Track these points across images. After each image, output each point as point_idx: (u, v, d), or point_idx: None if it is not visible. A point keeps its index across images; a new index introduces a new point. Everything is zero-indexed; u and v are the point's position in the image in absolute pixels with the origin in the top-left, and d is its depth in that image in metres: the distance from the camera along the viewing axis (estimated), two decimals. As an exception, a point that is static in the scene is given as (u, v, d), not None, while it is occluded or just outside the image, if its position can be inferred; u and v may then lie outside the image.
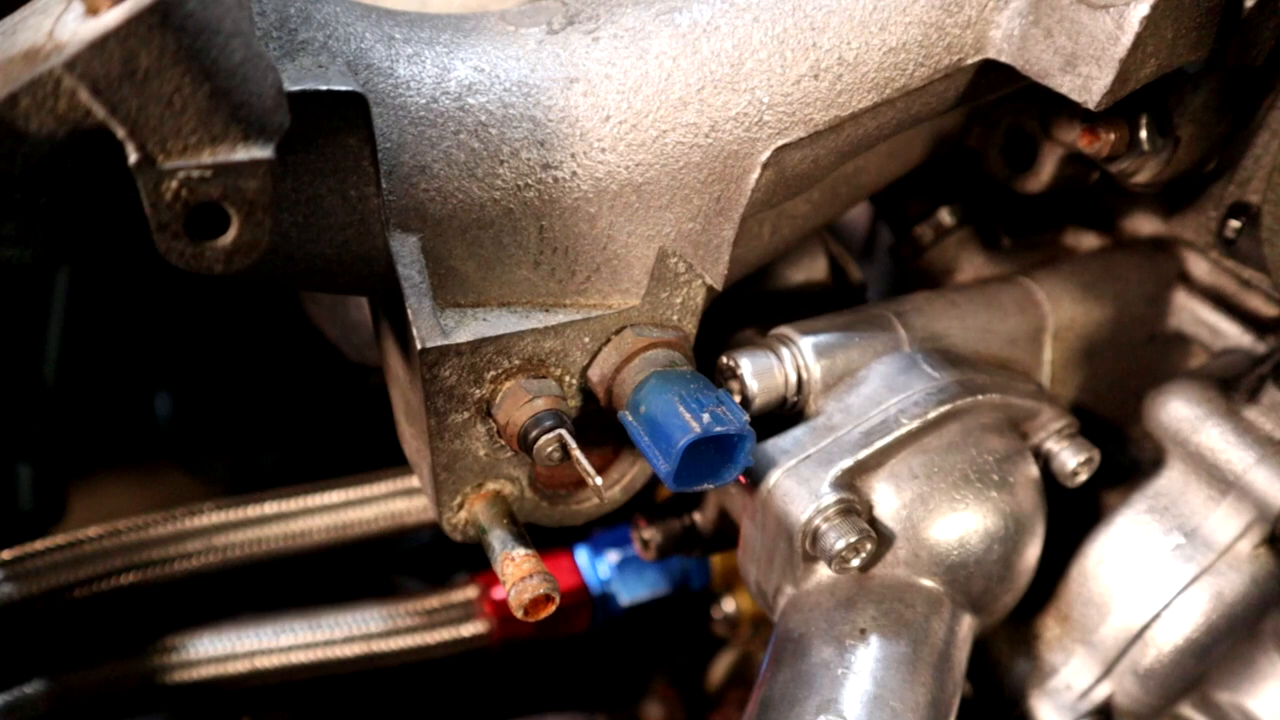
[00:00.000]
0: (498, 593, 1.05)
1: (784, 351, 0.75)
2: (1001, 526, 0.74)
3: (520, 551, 0.71)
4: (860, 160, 0.82)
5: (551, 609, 0.70)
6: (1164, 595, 0.78)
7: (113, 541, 0.94)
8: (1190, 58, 0.66)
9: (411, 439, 0.76)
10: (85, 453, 1.37)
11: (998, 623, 0.79)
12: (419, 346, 0.65)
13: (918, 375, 0.75)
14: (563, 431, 0.67)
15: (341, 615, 1.01)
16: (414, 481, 1.02)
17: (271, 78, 0.53)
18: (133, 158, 0.50)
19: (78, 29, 0.48)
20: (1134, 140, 0.75)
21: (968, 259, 0.94)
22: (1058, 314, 0.84)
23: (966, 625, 0.74)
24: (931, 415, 0.73)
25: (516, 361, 0.69)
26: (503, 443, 0.72)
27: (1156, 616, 0.78)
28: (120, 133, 0.49)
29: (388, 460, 1.02)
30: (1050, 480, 0.80)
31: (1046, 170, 0.83)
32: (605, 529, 1.12)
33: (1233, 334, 0.86)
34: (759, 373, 0.74)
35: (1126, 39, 0.62)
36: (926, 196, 0.96)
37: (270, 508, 1.00)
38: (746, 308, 0.87)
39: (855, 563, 0.70)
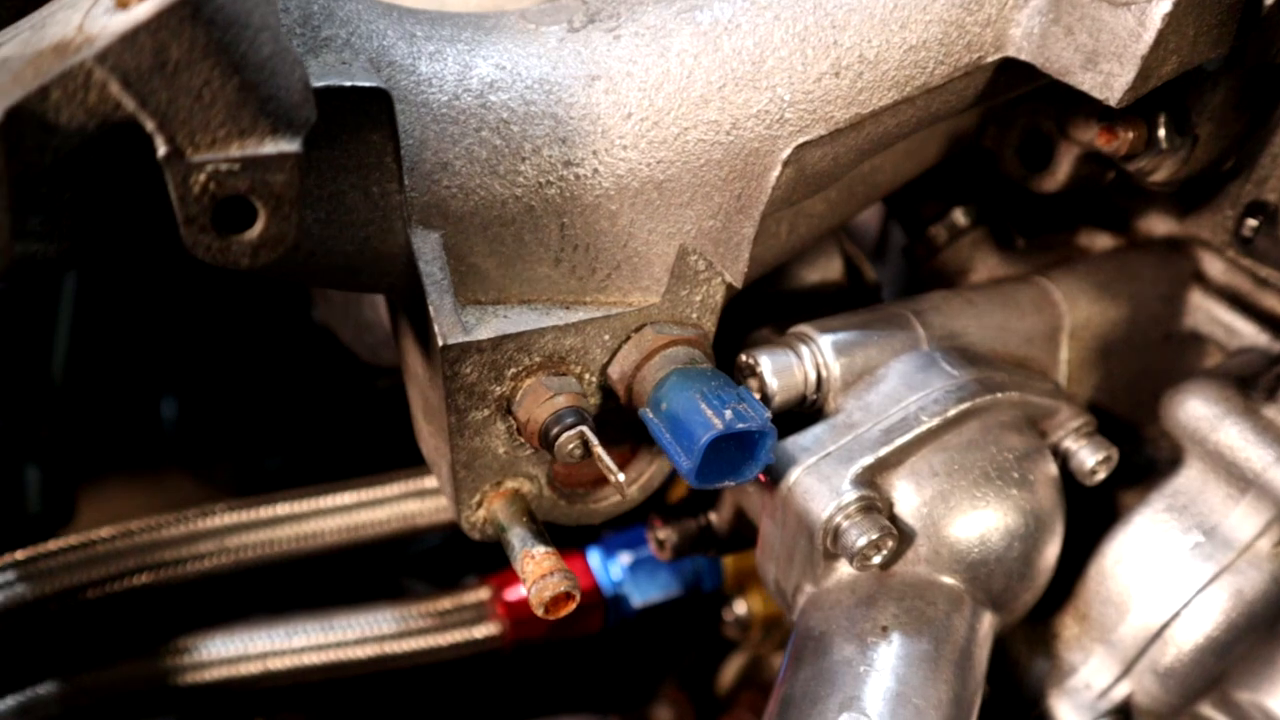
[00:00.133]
0: (510, 594, 1.05)
1: (803, 349, 0.75)
2: (1022, 524, 0.74)
3: (540, 549, 0.71)
4: (877, 160, 0.82)
5: (572, 606, 0.70)
6: (1183, 594, 0.78)
7: (126, 542, 0.94)
8: (1210, 55, 0.66)
9: (430, 437, 0.76)
10: (92, 456, 1.37)
11: (1017, 621, 0.78)
12: (441, 343, 0.65)
13: (937, 373, 0.75)
14: (584, 428, 0.67)
15: (354, 617, 1.01)
16: (427, 483, 1.02)
17: (299, 72, 0.53)
18: (161, 150, 0.50)
19: (108, 22, 0.48)
20: (1152, 139, 0.75)
21: (982, 259, 0.94)
22: (1074, 313, 0.84)
23: (987, 623, 0.74)
24: (951, 413, 0.73)
25: (537, 359, 0.69)
26: (522, 440, 0.72)
27: (1176, 615, 0.78)
28: (149, 125, 0.49)
29: (393, 464, 1.02)
30: (1068, 479, 0.80)
31: (1063, 170, 0.83)
32: (617, 531, 1.12)
33: (1249, 333, 0.86)
34: (778, 370, 0.74)
35: (1149, 36, 0.62)
36: (941, 197, 0.97)
37: (283, 509, 0.99)
38: (762, 307, 0.87)
39: (877, 560, 0.70)
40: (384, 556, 1.24)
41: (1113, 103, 0.64)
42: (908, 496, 0.73)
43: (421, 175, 0.65)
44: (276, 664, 0.98)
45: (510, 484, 0.75)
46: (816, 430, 0.74)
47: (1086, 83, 0.65)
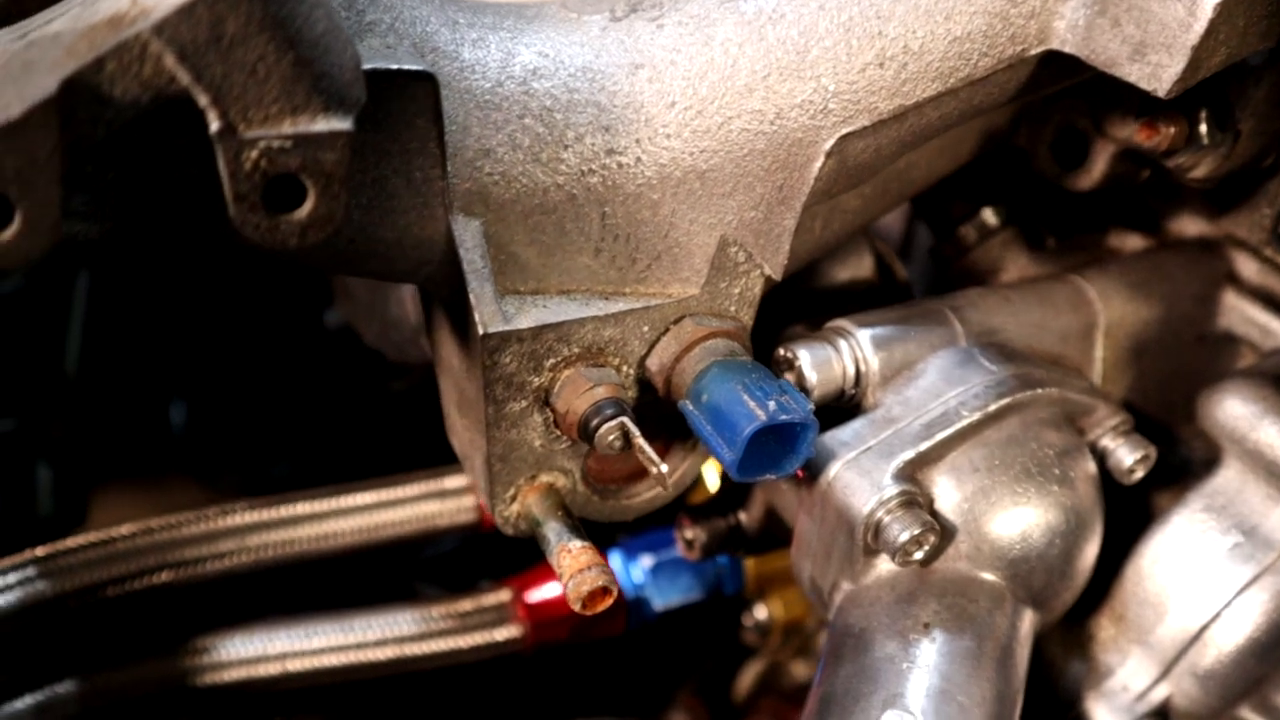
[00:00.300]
0: (532, 596, 1.04)
1: (841, 344, 0.74)
2: (1063, 521, 0.73)
3: (576, 543, 0.70)
4: (912, 156, 0.81)
5: (609, 602, 0.69)
6: (1223, 595, 0.77)
7: (146, 540, 0.92)
8: (1259, 46, 0.66)
9: (463, 431, 0.75)
10: (101, 460, 1.36)
11: (1055, 621, 0.78)
12: (481, 331, 0.65)
13: (975, 369, 0.75)
14: (625, 419, 0.66)
15: (373, 618, 0.99)
16: (447, 483, 1.01)
17: (351, 50, 0.53)
18: (214, 126, 0.49)
19: (163, -5, 0.47)
20: (1193, 134, 0.75)
21: (1013, 259, 0.94)
22: (1109, 312, 0.83)
23: (1028, 621, 0.73)
24: (992, 408, 0.72)
25: (576, 350, 0.69)
26: (558, 433, 0.71)
27: (1216, 616, 0.77)
28: (203, 100, 0.48)
29: (403, 471, 1.01)
30: (1103, 478, 0.79)
31: (1098, 167, 0.83)
32: (636, 534, 1.12)
33: (1284, 333, 0.86)
34: (818, 364, 0.73)
35: (1199, 26, 0.61)
36: (969, 197, 0.96)
37: (302, 508, 0.98)
38: (793, 304, 0.86)
39: (918, 555, 0.69)
40: (397, 561, 1.23)
41: (1161, 94, 0.64)
42: (948, 492, 0.72)
43: (464, 162, 0.64)
44: (295, 665, 0.97)
45: (545, 478, 0.74)
46: (856, 425, 0.73)
47: (1134, 74, 0.65)
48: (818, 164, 0.68)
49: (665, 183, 0.67)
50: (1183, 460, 0.85)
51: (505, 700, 1.19)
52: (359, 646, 0.98)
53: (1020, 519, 0.72)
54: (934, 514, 0.71)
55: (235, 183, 0.50)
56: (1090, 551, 0.76)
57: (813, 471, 0.72)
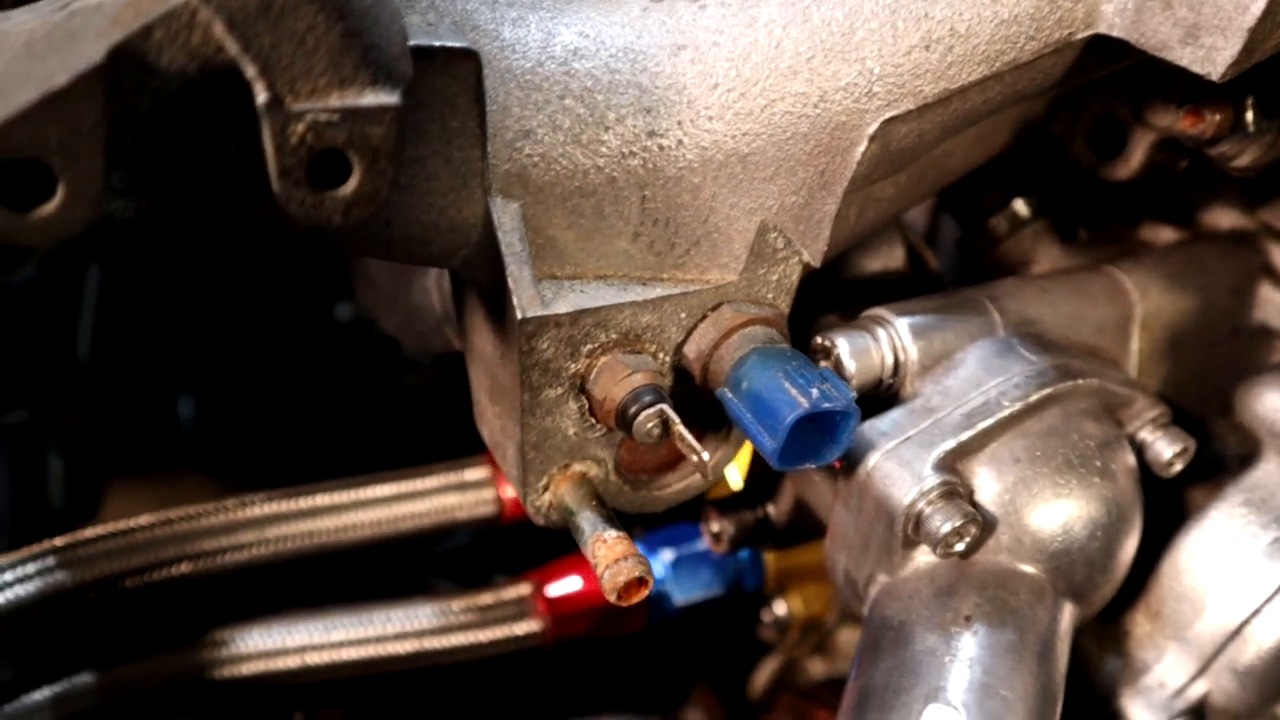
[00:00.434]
0: (552, 590, 1.02)
1: (880, 332, 0.73)
2: (1104, 513, 0.72)
3: (611, 534, 0.68)
4: (948, 144, 0.80)
5: (645, 593, 0.67)
6: (1263, 590, 0.76)
7: (165, 530, 0.91)
8: (1313, 31, 0.65)
9: (495, 418, 0.74)
10: (112, 453, 1.35)
11: (1093, 615, 0.76)
12: (520, 316, 0.63)
13: (1015, 358, 0.74)
14: (664, 406, 0.65)
15: (393, 612, 0.98)
16: (467, 476, 1.00)
17: (399, 23, 0.52)
18: (261, 98, 0.48)
19: (211, -38, 0.46)
20: (1239, 122, 0.74)
21: (1044, 251, 0.93)
22: (1145, 303, 0.82)
23: (1069, 615, 0.72)
24: (1033, 398, 0.71)
25: (613, 336, 0.67)
26: (593, 422, 0.70)
27: (1256, 612, 0.76)
28: (251, 71, 0.47)
29: (411, 464, 0.99)
30: (1142, 471, 0.78)
31: (1136, 157, 0.82)
32: (654, 529, 1.10)
33: (1322, 327, 0.85)
34: (856, 353, 0.72)
35: (1257, 7, 0.60)
36: (1000, 188, 0.95)
37: (322, 499, 0.97)
38: (826, 293, 0.85)
39: (960, 547, 0.68)
40: (410, 555, 1.22)
41: (1214, 78, 0.63)
42: (988, 483, 0.71)
43: (503, 143, 0.63)
44: (314, 658, 0.96)
45: (578, 467, 0.72)
46: (895, 414, 0.72)
47: (1186, 58, 0.64)
48: (861, 148, 0.67)
49: (706, 166, 0.66)
50: (1218, 454, 0.84)
51: (520, 694, 1.18)
52: (379, 640, 0.97)
53: (1062, 511, 0.71)
54: (974, 505, 0.70)
55: (281, 157, 0.49)
56: (1130, 545, 0.75)
57: (850, 462, 0.71)
